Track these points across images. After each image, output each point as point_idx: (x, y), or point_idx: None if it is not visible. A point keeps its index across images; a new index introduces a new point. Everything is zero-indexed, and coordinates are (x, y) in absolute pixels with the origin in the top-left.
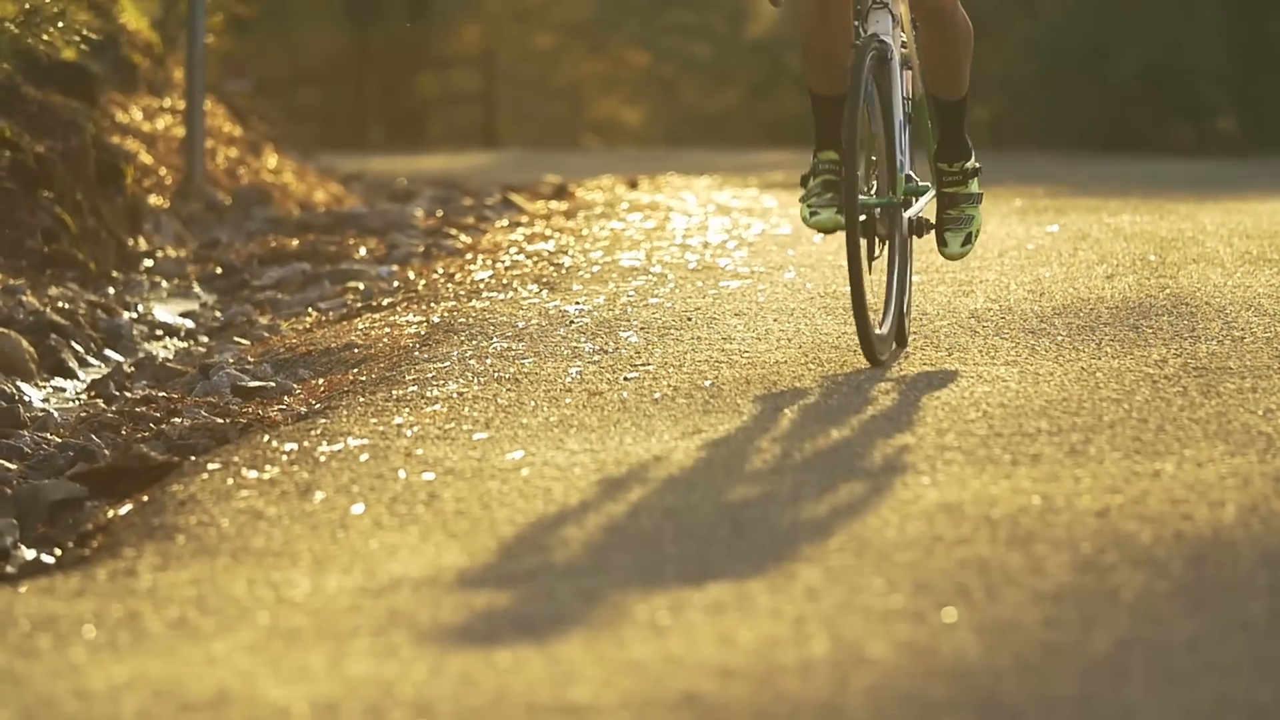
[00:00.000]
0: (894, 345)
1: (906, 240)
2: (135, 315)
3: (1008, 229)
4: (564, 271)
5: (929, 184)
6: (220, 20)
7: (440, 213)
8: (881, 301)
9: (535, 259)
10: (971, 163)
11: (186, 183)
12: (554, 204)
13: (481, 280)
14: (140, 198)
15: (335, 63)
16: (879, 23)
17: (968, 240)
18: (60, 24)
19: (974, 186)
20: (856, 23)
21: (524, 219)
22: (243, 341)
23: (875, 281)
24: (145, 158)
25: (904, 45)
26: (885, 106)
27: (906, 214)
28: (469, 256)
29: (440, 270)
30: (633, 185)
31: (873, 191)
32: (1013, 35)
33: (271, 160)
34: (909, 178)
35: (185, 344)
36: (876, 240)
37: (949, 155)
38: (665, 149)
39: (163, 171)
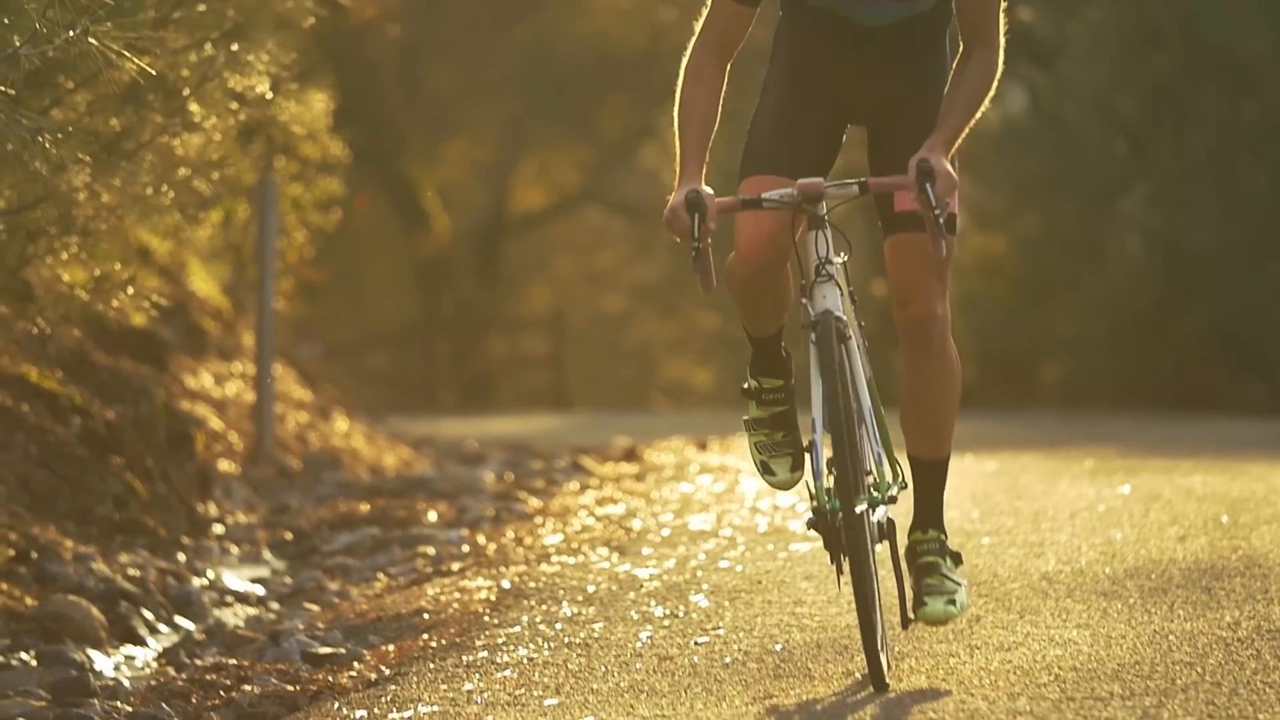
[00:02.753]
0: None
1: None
2: (205, 582)
3: (1079, 490)
4: (634, 535)
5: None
6: (290, 285)
7: (510, 476)
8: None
9: (605, 522)
10: (948, 540)
11: (256, 448)
12: (624, 466)
13: (551, 544)
14: (210, 463)
15: (405, 326)
16: (827, 297)
17: (953, 602)
18: (130, 290)
19: (954, 570)
20: (804, 301)
21: (594, 482)
22: (313, 607)
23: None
24: (215, 423)
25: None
26: (852, 393)
27: (874, 518)
28: (539, 520)
29: (510, 534)
30: (702, 447)
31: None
32: (1081, 295)
33: (341, 424)
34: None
35: (255, 610)
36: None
37: (923, 521)
38: (735, 411)
39: (233, 437)
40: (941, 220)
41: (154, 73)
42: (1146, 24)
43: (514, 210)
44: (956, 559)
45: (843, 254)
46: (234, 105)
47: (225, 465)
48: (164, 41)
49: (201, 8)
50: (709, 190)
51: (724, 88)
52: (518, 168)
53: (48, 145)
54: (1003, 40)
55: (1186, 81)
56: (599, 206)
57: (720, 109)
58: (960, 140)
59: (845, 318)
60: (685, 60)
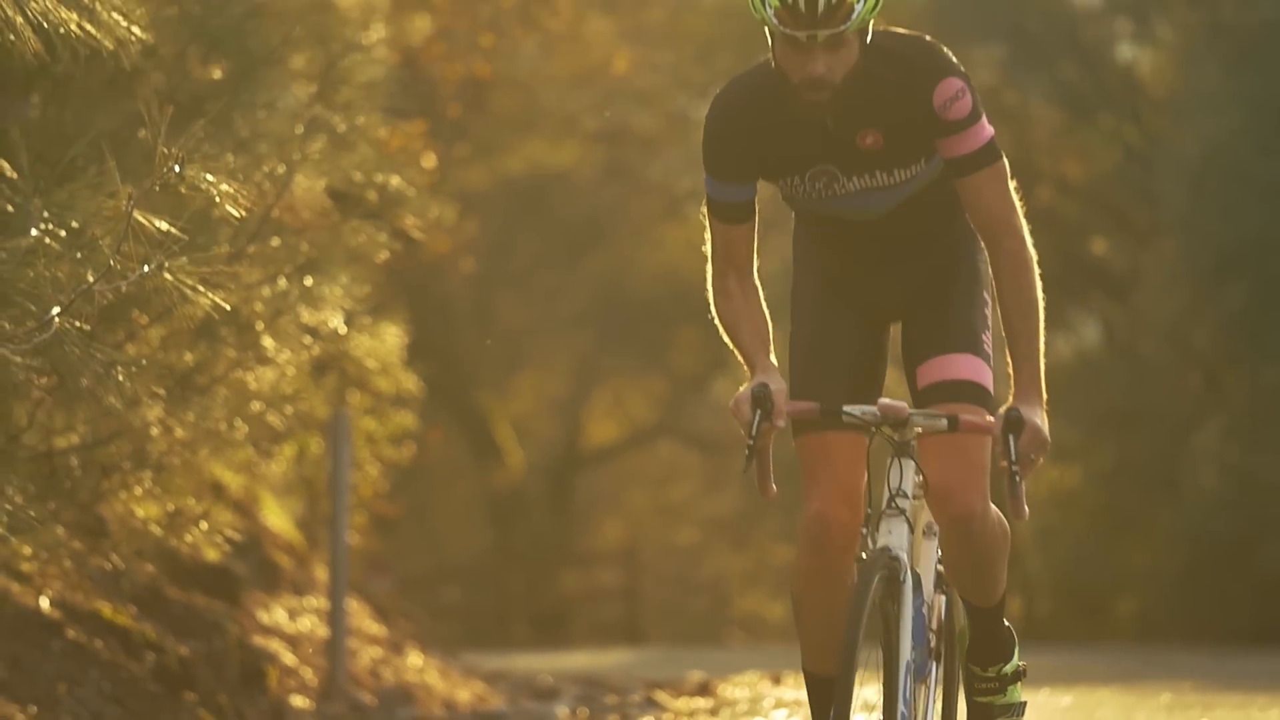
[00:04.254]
0: None
1: None
2: None
3: None
4: None
5: None
6: (364, 519)
7: (584, 711)
8: None
9: None
10: (1013, 664)
11: (330, 684)
12: (698, 701)
13: None
14: (283, 699)
15: (478, 559)
16: (892, 533)
17: None
18: (203, 525)
19: (1015, 694)
20: (864, 530)
21: (668, 716)
22: None
23: None
24: (288, 658)
25: (940, 565)
26: (888, 642)
27: None
28: None
29: None
30: (777, 681)
31: None
32: (1157, 527)
33: (415, 659)
34: None
35: None
36: None
37: (982, 656)
38: None
39: (306, 672)
40: (1020, 479)
41: (228, 307)
42: (1219, 257)
43: (587, 443)
44: (1020, 675)
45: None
46: (307, 339)
47: (299, 701)
48: (238, 276)
49: (275, 242)
50: (781, 386)
51: (759, 291)
52: (590, 400)
53: (122, 380)
54: (1024, 223)
55: (1260, 314)
56: (672, 439)
57: (765, 306)
58: (1042, 366)
59: (904, 558)
60: (709, 285)
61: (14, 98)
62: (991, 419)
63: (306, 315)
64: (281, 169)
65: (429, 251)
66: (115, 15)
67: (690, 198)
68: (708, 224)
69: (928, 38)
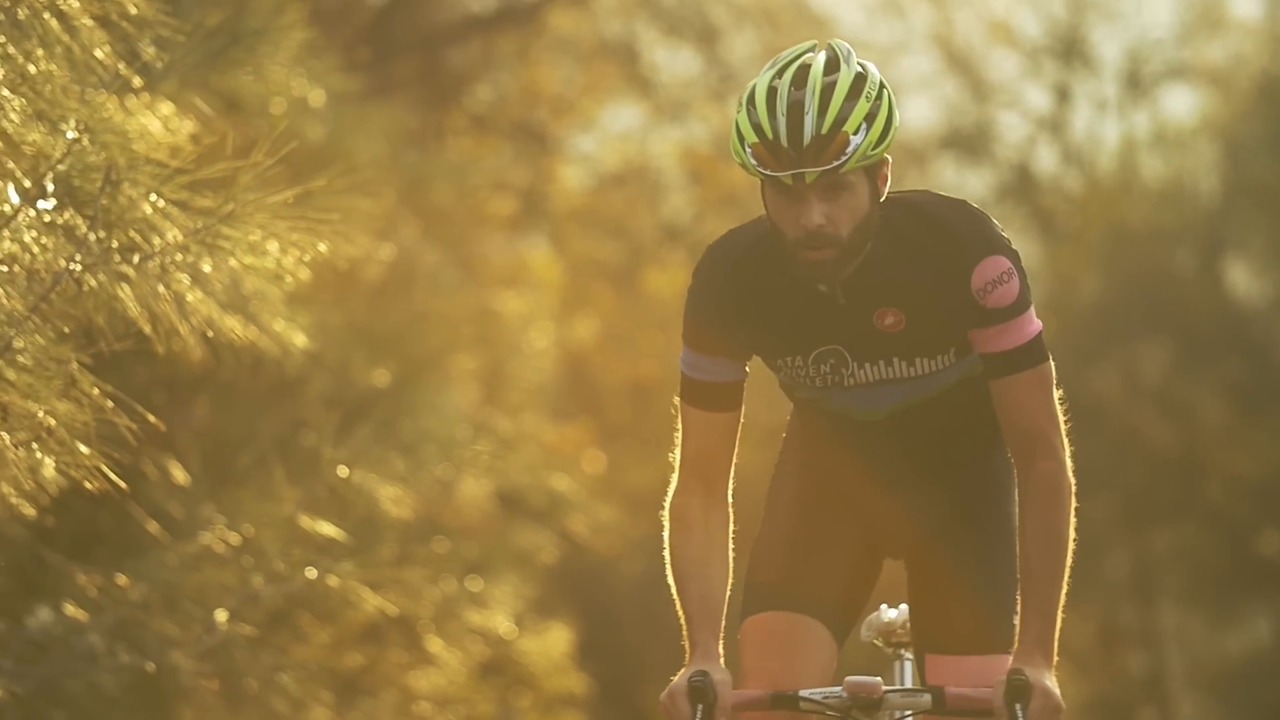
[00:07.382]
0: None
1: None
2: None
3: None
4: None
5: None
6: None
7: None
8: None
9: None
10: None
11: None
12: None
13: None
14: None
15: None
16: None
17: None
18: None
19: None
20: None
21: None
22: None
23: None
24: None
25: None
26: None
27: None
28: None
29: None
30: None
31: None
32: None
33: None
34: None
35: None
36: None
37: None
38: None
39: None
40: None
41: (394, 610)
42: None
43: None
44: None
45: None
46: (475, 641)
47: None
48: (404, 579)
49: (442, 545)
50: (724, 675)
51: (729, 524)
52: None
53: (288, 683)
54: (1066, 442)
55: None
56: None
57: (731, 554)
58: (1059, 621)
59: None
60: (667, 506)
61: (181, 404)
62: (988, 689)
63: (474, 617)
64: (448, 472)
65: (596, 553)
66: (280, 323)
67: None
68: (679, 417)
69: (975, 205)
